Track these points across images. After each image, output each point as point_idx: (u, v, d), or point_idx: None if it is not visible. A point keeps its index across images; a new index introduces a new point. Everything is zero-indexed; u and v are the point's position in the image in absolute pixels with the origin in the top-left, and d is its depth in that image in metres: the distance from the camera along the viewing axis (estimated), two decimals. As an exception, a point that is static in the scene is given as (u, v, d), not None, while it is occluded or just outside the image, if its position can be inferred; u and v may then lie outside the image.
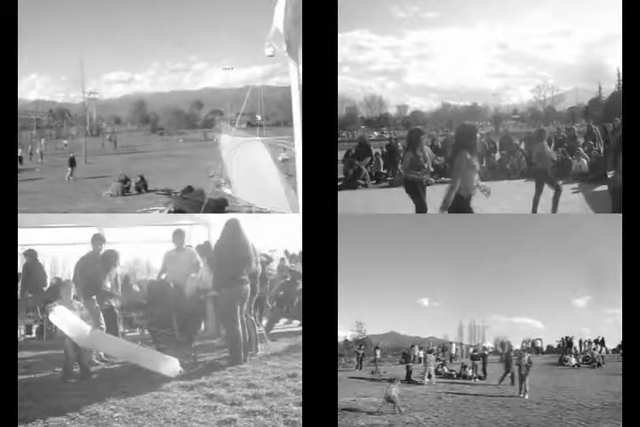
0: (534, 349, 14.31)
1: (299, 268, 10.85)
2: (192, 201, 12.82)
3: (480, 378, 11.14)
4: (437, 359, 13.12)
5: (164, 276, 9.03)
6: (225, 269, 8.28)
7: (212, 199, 12.00)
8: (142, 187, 23.98)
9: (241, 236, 8.40)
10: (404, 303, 13.60)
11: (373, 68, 34.21)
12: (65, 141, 38.32)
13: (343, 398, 8.39)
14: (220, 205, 12.82)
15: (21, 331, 9.71)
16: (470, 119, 34.64)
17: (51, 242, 10.43)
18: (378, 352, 12.40)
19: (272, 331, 10.28)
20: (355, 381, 10.77)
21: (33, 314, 9.65)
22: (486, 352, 11.89)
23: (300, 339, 9.68)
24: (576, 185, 14.17)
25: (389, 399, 7.55)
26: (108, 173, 27.49)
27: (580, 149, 16.17)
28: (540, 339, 14.46)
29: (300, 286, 10.05)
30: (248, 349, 8.42)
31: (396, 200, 13.55)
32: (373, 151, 18.02)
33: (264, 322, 10.43)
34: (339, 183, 16.10)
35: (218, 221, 8.78)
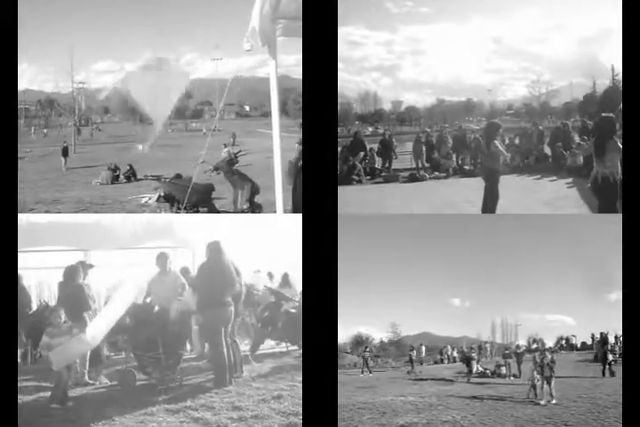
0: (569, 345, 14.33)
1: (282, 289, 10.84)
2: (181, 186, 12.73)
3: (515, 376, 11.16)
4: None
5: (148, 299, 8.93)
6: (208, 292, 8.25)
7: (198, 184, 11.87)
8: (131, 175, 23.96)
9: (223, 258, 8.37)
10: (435, 304, 13.77)
11: (367, 64, 33.94)
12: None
13: (381, 398, 8.85)
14: (207, 191, 12.72)
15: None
16: (465, 115, 34.50)
17: (35, 266, 10.30)
18: (414, 353, 12.70)
19: (257, 352, 10.20)
20: (391, 380, 11.16)
21: (17, 339, 9.47)
22: (519, 351, 11.85)
23: (284, 360, 9.80)
24: (570, 180, 14.12)
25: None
26: (96, 163, 27.43)
27: (581, 143, 15.97)
28: (574, 335, 14.41)
29: (285, 308, 10.06)
30: (233, 371, 8.34)
31: (395, 195, 13.66)
32: (368, 147, 17.90)
33: (249, 343, 10.36)
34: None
35: (201, 244, 8.62)
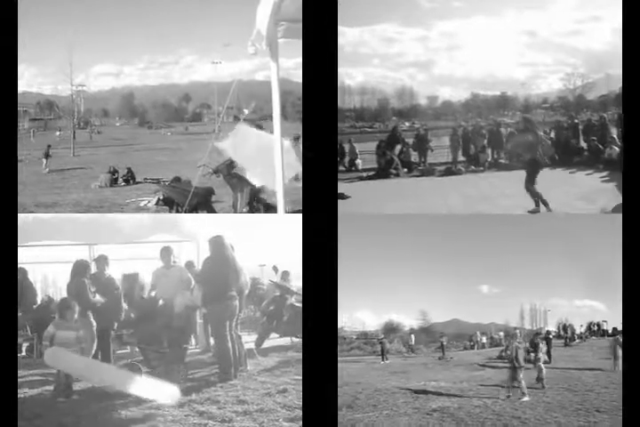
0: (600, 331, 14.28)
1: (287, 283, 10.88)
2: (180, 189, 12.80)
3: (545, 362, 11.11)
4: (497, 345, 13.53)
5: (153, 293, 8.98)
6: (213, 286, 8.33)
7: (199, 188, 11.95)
8: (130, 178, 23.97)
9: (226, 252, 8.45)
10: (464, 291, 13.95)
11: (403, 60, 34.39)
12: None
13: (414, 383, 9.17)
14: (207, 194, 12.78)
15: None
16: (500, 109, 34.51)
17: (41, 260, 10.36)
18: (444, 339, 13.08)
19: (262, 346, 10.24)
20: (423, 366, 11.55)
21: (23, 333, 9.58)
22: (550, 336, 11.77)
23: (289, 354, 9.83)
24: (605, 173, 14.02)
25: None
26: (95, 166, 27.48)
27: (613, 137, 15.88)
28: (605, 321, 14.34)
29: (290, 301, 10.10)
30: (238, 365, 8.40)
31: (429, 188, 14.11)
32: (405, 141, 18.07)
33: (254, 337, 10.39)
34: (372, 173, 16.59)
35: (205, 238, 8.68)
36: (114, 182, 23.60)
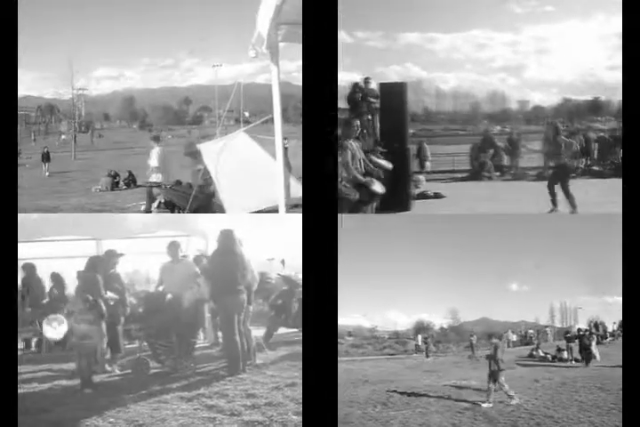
0: None
1: (295, 276, 10.91)
2: (181, 193, 12.88)
3: (576, 360, 11.10)
4: (529, 343, 13.83)
5: (161, 288, 9.05)
6: (221, 280, 8.41)
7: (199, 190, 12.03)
8: (131, 182, 24.01)
9: (235, 246, 8.55)
10: (493, 290, 14.06)
11: (494, 65, 35.07)
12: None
13: (445, 382, 9.27)
14: (208, 196, 12.85)
15: (20, 345, 9.79)
16: (593, 114, 34.21)
17: (50, 255, 10.44)
18: (474, 338, 13.11)
19: (271, 340, 10.29)
20: (454, 365, 11.69)
21: (32, 328, 9.66)
22: (582, 333, 11.77)
23: (298, 348, 9.85)
24: None
25: None
26: (96, 169, 27.55)
27: None
28: None
29: (298, 295, 10.16)
30: (246, 358, 8.48)
31: (520, 192, 14.14)
32: (497, 145, 18.67)
33: (263, 331, 10.44)
34: (464, 175, 17.28)
35: (214, 232, 8.75)
36: (115, 186, 23.65)
